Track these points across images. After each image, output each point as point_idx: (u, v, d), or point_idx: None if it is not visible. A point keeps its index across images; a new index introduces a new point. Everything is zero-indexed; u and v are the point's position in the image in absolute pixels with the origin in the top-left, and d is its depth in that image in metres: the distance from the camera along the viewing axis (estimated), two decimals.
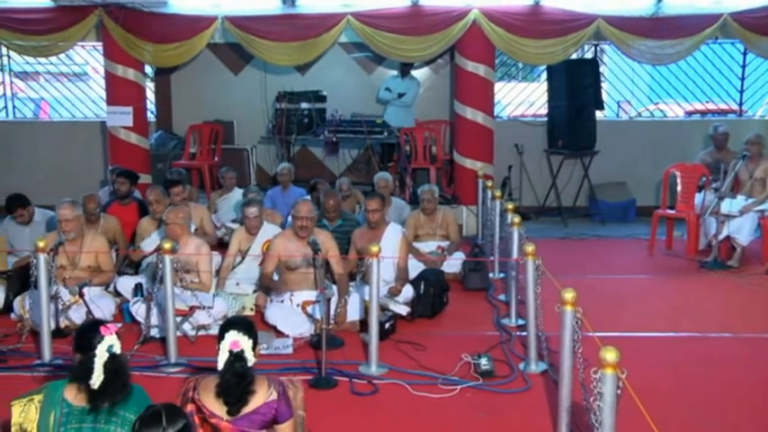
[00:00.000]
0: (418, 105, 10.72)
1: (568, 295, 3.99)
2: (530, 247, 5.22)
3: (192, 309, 5.93)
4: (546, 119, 10.94)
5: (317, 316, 5.78)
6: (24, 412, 3.35)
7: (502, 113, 11.27)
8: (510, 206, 6.83)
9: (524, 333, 5.58)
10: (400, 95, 10.39)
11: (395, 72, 10.76)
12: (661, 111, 12.65)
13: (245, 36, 9.50)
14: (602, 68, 11.16)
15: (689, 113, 12.56)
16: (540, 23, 9.35)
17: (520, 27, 9.31)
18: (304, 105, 10.51)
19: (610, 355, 3.08)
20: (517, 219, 6.31)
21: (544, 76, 11.32)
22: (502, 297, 6.89)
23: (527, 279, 5.24)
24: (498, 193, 7.70)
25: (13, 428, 3.35)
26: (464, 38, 9.41)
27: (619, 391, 3.10)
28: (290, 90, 10.61)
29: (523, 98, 11.80)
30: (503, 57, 10.64)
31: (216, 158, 10.49)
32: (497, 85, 10.30)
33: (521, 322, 6.08)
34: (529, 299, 5.21)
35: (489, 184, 8.45)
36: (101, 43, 10.11)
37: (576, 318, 3.95)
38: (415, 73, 10.74)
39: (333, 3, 9.31)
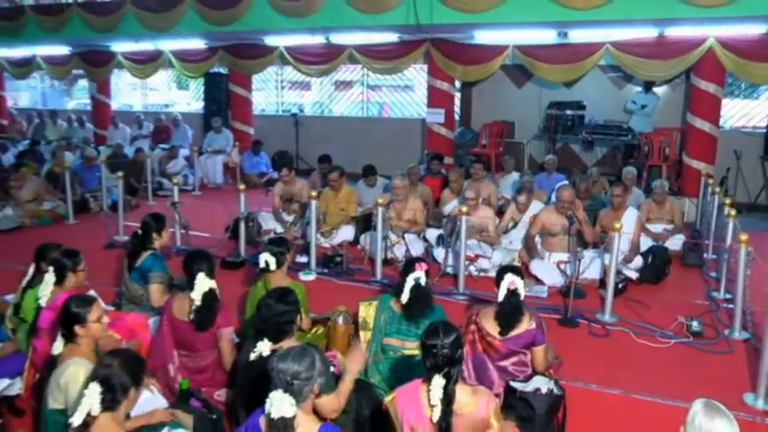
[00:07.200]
0: (656, 115, 9.83)
1: None
2: (744, 236, 4.65)
3: (477, 256, 6.06)
4: (765, 131, 9.49)
5: (568, 272, 5.68)
6: (366, 310, 3.75)
7: (725, 124, 9.92)
8: (727, 201, 6.13)
9: (731, 306, 5.01)
10: (643, 107, 9.66)
11: (639, 88, 9.94)
12: None
13: (528, 60, 9.34)
14: None
15: None
16: None
17: (751, 52, 8.12)
18: (568, 112, 10.20)
19: None
20: (734, 212, 5.66)
21: (765, 94, 9.92)
22: (713, 274, 6.20)
23: (738, 262, 4.68)
24: (717, 189, 6.91)
25: (360, 319, 3.74)
26: (700, 61, 8.46)
27: None
28: (558, 100, 10.34)
29: (744, 113, 10.32)
30: (730, 77, 9.33)
31: (500, 149, 10.47)
32: (723, 101, 9.10)
33: (728, 296, 5.46)
34: (738, 278, 4.67)
35: (710, 181, 7.61)
36: (425, 65, 10.54)
37: None
38: (655, 89, 9.86)
39: (596, 34, 8.78)
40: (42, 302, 3.66)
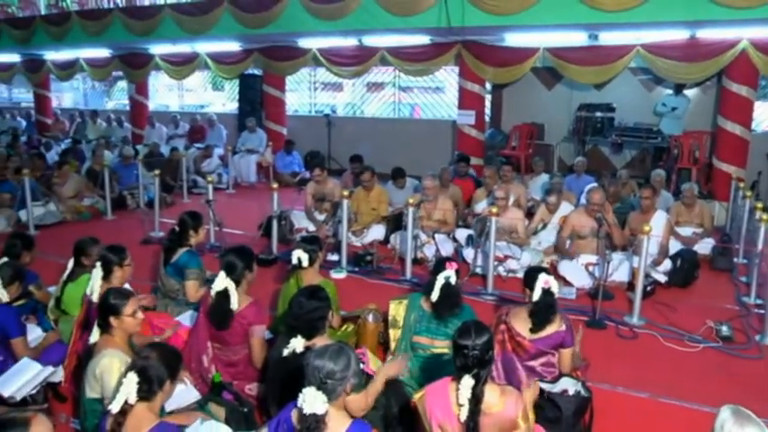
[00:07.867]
0: (687, 118, 9.60)
1: None
2: None
3: (506, 257, 6.02)
4: None
5: (597, 274, 5.60)
6: (396, 308, 3.73)
7: (757, 127, 9.62)
8: (759, 205, 5.94)
9: (762, 311, 4.89)
10: (673, 109, 9.45)
11: (670, 90, 9.75)
12: None
13: (559, 62, 9.23)
14: None
15: None
16: None
17: None
18: (598, 114, 10.01)
19: None
20: (765, 216, 5.50)
21: None
22: (743, 279, 6.06)
23: None
24: (749, 193, 6.74)
25: (390, 317, 3.72)
26: (732, 63, 8.22)
27: None
28: (588, 102, 10.16)
29: None
30: (763, 79, 9.07)
31: (530, 150, 10.37)
32: (755, 104, 8.81)
33: (759, 302, 5.32)
34: None
35: (741, 185, 7.44)
36: (457, 67, 10.46)
37: None
38: (686, 91, 9.65)
39: (626, 36, 8.62)
40: (94, 298, 3.70)
